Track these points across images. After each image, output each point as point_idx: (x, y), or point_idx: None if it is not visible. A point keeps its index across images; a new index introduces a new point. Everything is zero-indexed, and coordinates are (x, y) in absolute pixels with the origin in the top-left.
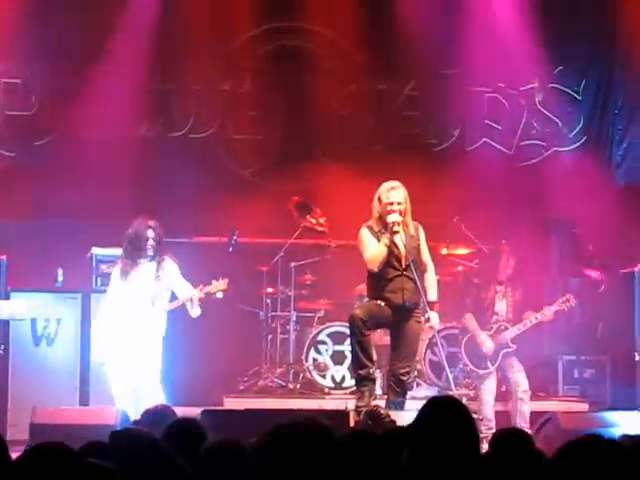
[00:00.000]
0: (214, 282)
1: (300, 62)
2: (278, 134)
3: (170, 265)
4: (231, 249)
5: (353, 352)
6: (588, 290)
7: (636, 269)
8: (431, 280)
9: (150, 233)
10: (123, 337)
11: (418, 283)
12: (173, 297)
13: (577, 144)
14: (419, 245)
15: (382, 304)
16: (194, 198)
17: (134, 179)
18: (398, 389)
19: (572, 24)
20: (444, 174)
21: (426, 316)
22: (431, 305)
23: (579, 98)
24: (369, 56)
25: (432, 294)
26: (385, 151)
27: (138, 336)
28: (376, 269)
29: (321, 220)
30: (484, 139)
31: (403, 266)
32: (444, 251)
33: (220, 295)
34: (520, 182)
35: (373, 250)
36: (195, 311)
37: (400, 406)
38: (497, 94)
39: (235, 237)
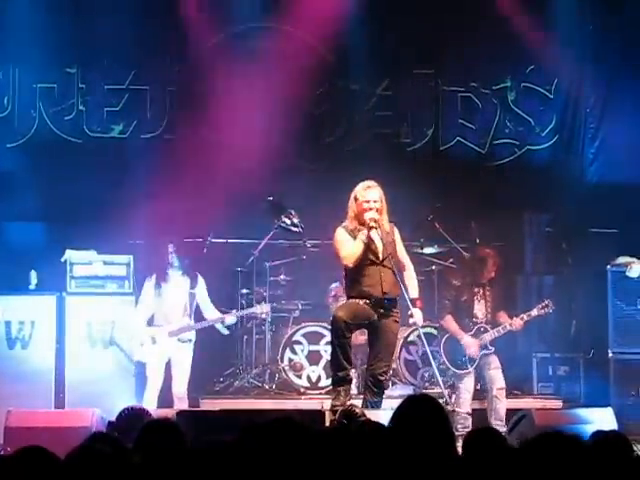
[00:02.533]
0: (257, 305)
1: (273, 62)
2: (252, 134)
3: (202, 284)
4: (206, 250)
5: (333, 353)
6: (562, 288)
7: (609, 267)
8: (411, 278)
9: (170, 248)
10: (160, 344)
11: (397, 275)
12: None
13: (550, 143)
14: (395, 242)
15: (361, 302)
16: (168, 199)
17: (108, 181)
18: (375, 389)
19: (543, 23)
20: (418, 173)
21: (409, 313)
22: (413, 302)
23: (551, 97)
24: (342, 56)
25: (413, 291)
26: (359, 151)
27: (173, 345)
28: (352, 264)
29: (295, 220)
30: (457, 138)
31: (381, 258)
32: (418, 250)
33: (264, 316)
34: (493, 181)
35: (350, 247)
36: (224, 330)
37: (377, 405)
38: (470, 93)
39: (210, 238)
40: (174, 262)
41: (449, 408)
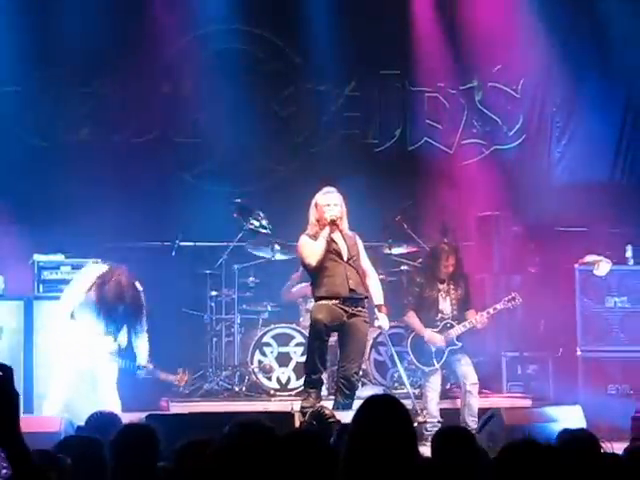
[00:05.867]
0: (180, 372)
1: (240, 65)
2: (219, 136)
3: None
4: (174, 253)
5: (309, 356)
6: (530, 287)
7: (577, 265)
8: (375, 285)
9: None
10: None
11: (362, 276)
12: None
13: (517, 142)
14: (357, 250)
15: (331, 303)
16: (136, 202)
17: (76, 184)
18: (347, 391)
19: (509, 23)
20: (386, 174)
21: (374, 317)
22: (379, 308)
23: (518, 96)
24: (309, 57)
25: (378, 298)
26: (327, 152)
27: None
28: (315, 263)
29: (263, 222)
30: (425, 139)
31: (345, 258)
32: (387, 251)
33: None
34: (461, 181)
35: (312, 246)
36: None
37: (349, 407)
38: (437, 94)
39: (178, 240)
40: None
41: (418, 418)
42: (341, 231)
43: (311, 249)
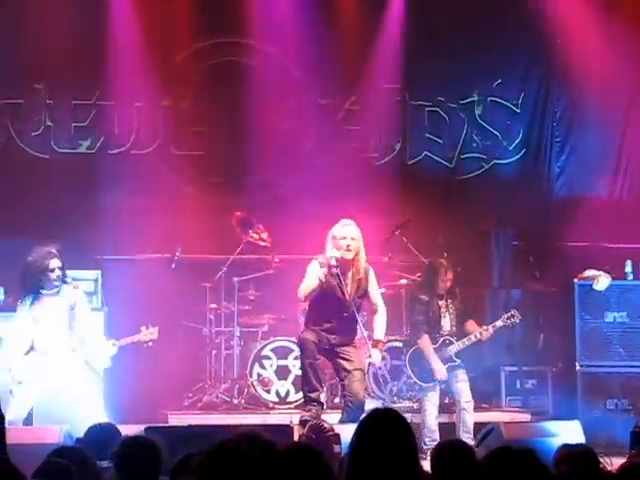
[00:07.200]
0: (143, 329)
1: (241, 78)
2: (220, 150)
3: (83, 302)
4: (174, 265)
5: (304, 375)
6: (529, 302)
7: (576, 280)
8: (380, 321)
9: (55, 263)
10: (43, 371)
11: (359, 323)
12: None
13: (517, 156)
14: (367, 289)
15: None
16: (137, 215)
17: (76, 196)
18: (354, 407)
19: (509, 38)
20: (386, 188)
21: (367, 354)
22: (375, 342)
23: (518, 111)
24: (310, 71)
25: (379, 333)
26: (327, 166)
27: (57, 369)
28: (302, 298)
29: (263, 235)
30: (425, 153)
31: (344, 314)
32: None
33: (150, 344)
34: (461, 195)
35: (310, 279)
36: (107, 363)
37: (356, 420)
38: (437, 108)
39: (178, 253)
40: (54, 281)
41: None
42: (356, 270)
43: (307, 282)
